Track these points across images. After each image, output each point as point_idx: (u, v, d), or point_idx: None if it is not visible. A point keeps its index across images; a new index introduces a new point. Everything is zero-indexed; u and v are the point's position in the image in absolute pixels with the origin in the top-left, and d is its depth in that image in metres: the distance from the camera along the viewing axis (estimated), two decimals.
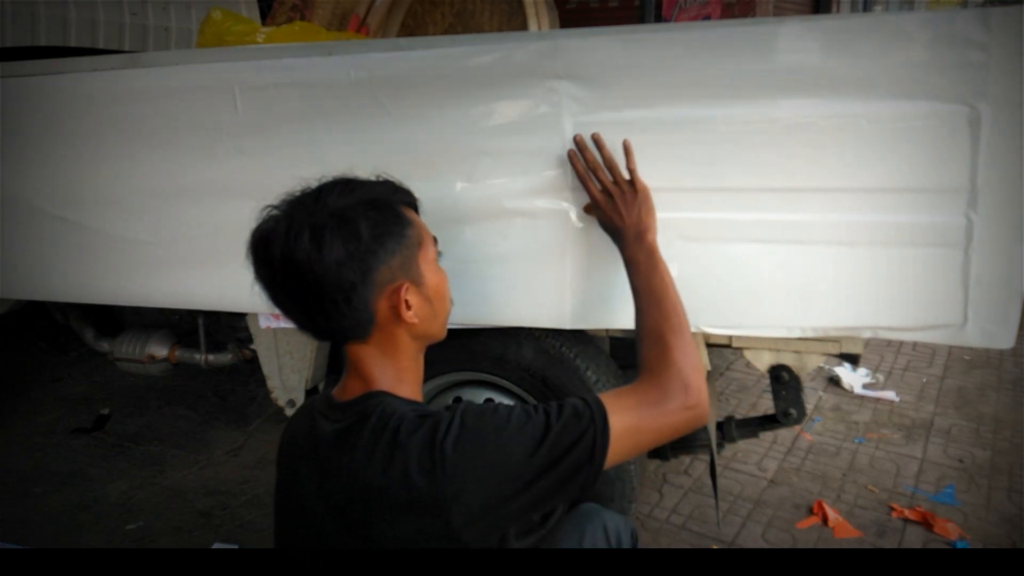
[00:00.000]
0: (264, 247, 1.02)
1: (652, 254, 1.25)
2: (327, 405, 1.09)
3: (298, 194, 1.05)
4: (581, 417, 0.99)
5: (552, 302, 1.47)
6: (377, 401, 1.03)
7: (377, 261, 1.01)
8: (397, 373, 1.08)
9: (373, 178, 1.10)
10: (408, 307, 1.04)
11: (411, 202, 1.13)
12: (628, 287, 1.42)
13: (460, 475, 0.93)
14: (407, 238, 1.05)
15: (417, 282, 1.06)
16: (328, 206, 1.00)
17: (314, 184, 1.06)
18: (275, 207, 1.04)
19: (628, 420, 1.01)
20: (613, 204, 1.31)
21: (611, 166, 1.33)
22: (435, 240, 1.14)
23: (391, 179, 1.11)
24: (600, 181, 1.33)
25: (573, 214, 1.42)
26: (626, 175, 1.32)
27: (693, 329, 1.43)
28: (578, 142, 1.34)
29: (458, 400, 1.77)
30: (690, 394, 1.06)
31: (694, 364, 1.10)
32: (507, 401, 1.74)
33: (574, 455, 0.97)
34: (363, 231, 0.99)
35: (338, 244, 0.98)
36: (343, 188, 1.04)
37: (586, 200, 1.39)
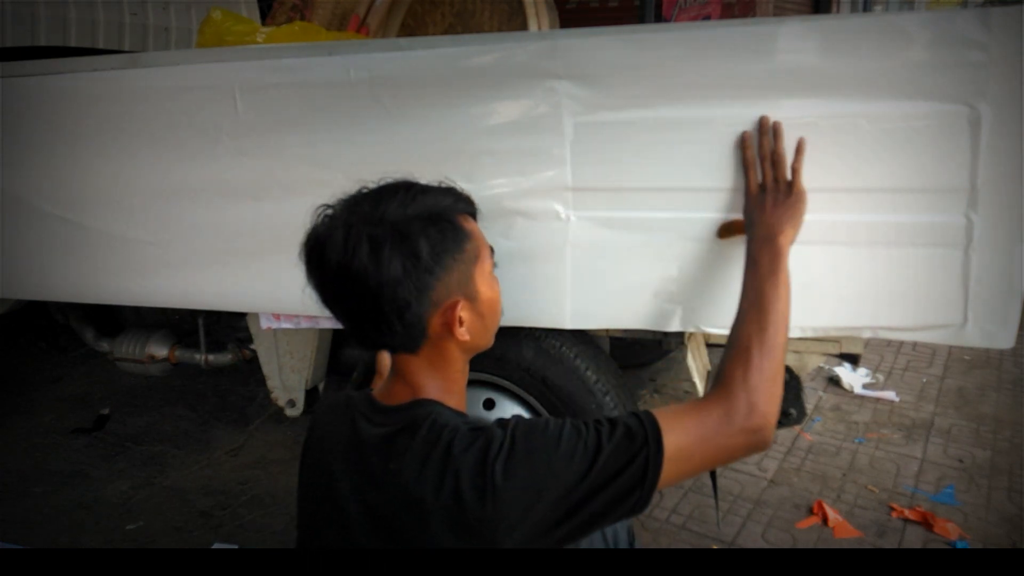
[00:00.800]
0: (320, 252, 0.98)
1: (777, 259, 1.16)
2: (370, 407, 1.06)
3: (357, 196, 1.01)
4: (635, 438, 0.95)
5: (552, 302, 1.47)
6: (428, 411, 1.01)
7: (434, 279, 0.98)
8: (446, 384, 1.06)
9: (435, 184, 1.06)
10: (461, 323, 1.02)
11: (471, 211, 1.09)
12: (628, 287, 1.42)
13: (509, 502, 0.90)
14: (465, 253, 1.02)
15: (472, 298, 1.04)
16: (388, 217, 0.96)
17: (373, 186, 1.02)
18: (331, 207, 1.01)
19: (684, 441, 0.96)
20: (762, 197, 1.26)
21: (778, 161, 1.26)
22: (492, 251, 1.11)
23: (453, 186, 1.07)
24: (763, 172, 1.28)
25: (573, 214, 1.42)
26: (789, 175, 1.27)
27: (693, 329, 1.43)
28: (761, 125, 1.27)
29: None
30: (754, 416, 0.99)
31: (771, 389, 1.03)
32: (507, 402, 1.74)
33: (625, 478, 0.93)
34: (422, 249, 0.96)
35: (396, 261, 0.95)
36: (404, 196, 1.00)
37: (586, 200, 1.39)
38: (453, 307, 1.01)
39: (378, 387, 1.11)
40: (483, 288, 1.06)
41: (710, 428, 0.98)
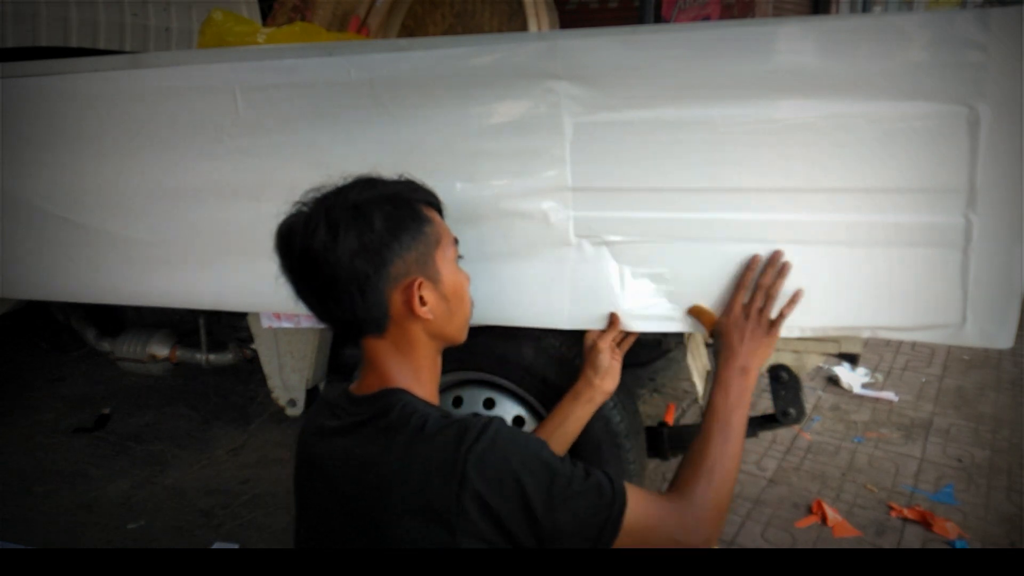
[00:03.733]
0: (286, 239, 1.06)
1: (745, 393, 1.24)
2: (345, 399, 1.10)
3: (323, 189, 1.09)
4: (603, 495, 0.99)
5: (551, 302, 1.48)
6: (397, 399, 1.04)
7: (391, 254, 1.03)
8: (414, 372, 1.09)
9: (396, 177, 1.12)
10: (423, 303, 1.05)
11: (432, 202, 1.14)
12: (627, 287, 1.43)
13: (474, 497, 0.93)
14: (424, 235, 1.07)
15: (433, 279, 1.07)
16: (347, 200, 1.04)
17: (340, 182, 1.09)
18: (302, 203, 1.08)
19: (640, 524, 1.01)
20: (742, 325, 1.30)
21: (772, 296, 1.32)
22: (456, 241, 1.14)
23: (413, 179, 1.13)
24: (752, 301, 1.32)
25: (573, 214, 1.42)
26: (773, 315, 1.32)
27: (694, 330, 1.44)
28: (772, 258, 1.32)
29: (458, 400, 1.77)
30: (701, 534, 1.06)
31: (723, 506, 1.11)
32: (507, 402, 1.74)
33: (583, 528, 0.98)
34: (377, 223, 1.02)
35: (352, 235, 1.00)
36: (364, 185, 1.07)
37: (587, 201, 1.39)
38: (412, 284, 1.05)
39: (353, 382, 1.13)
40: (446, 272, 1.09)
41: (664, 527, 1.04)
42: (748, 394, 1.24)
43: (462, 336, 1.17)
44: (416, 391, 1.07)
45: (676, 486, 1.12)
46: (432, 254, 1.08)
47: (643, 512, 1.02)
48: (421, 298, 1.05)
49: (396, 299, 1.05)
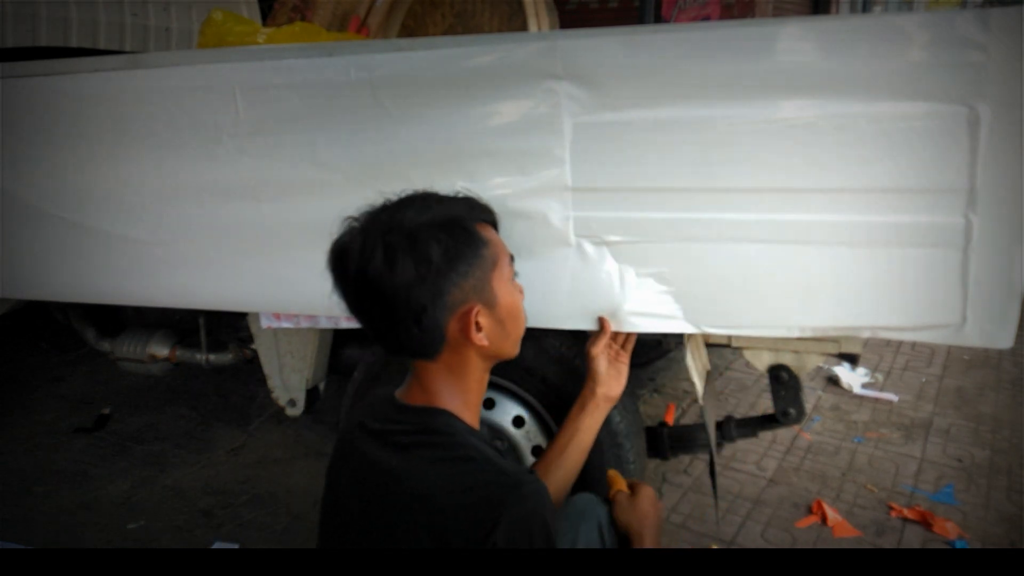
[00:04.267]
0: (341, 261, 1.04)
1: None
2: (390, 404, 1.09)
3: (378, 207, 1.06)
4: None
5: (551, 302, 1.48)
6: (444, 422, 1.04)
7: (448, 284, 1.01)
8: (463, 395, 1.09)
9: (453, 194, 1.10)
10: (479, 329, 1.04)
11: (489, 219, 1.13)
12: (627, 287, 1.43)
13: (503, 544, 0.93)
14: (480, 259, 1.05)
15: (490, 304, 1.06)
16: (403, 224, 1.01)
17: (394, 198, 1.07)
18: (356, 219, 1.05)
19: None
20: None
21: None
22: (511, 258, 1.13)
23: (471, 195, 1.12)
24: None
25: (573, 214, 1.42)
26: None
27: (694, 329, 1.44)
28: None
29: None
30: None
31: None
32: (507, 402, 1.74)
33: None
34: (434, 254, 0.99)
35: (409, 266, 0.98)
36: (420, 206, 1.04)
37: (587, 201, 1.40)
38: (469, 312, 1.03)
39: (400, 388, 1.13)
40: (502, 294, 1.08)
41: None
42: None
43: (516, 351, 1.16)
44: (463, 416, 1.07)
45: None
46: (488, 278, 1.06)
47: None
48: (478, 324, 1.04)
49: (452, 327, 1.04)
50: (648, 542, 1.22)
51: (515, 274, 1.15)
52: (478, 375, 1.11)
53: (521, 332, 1.16)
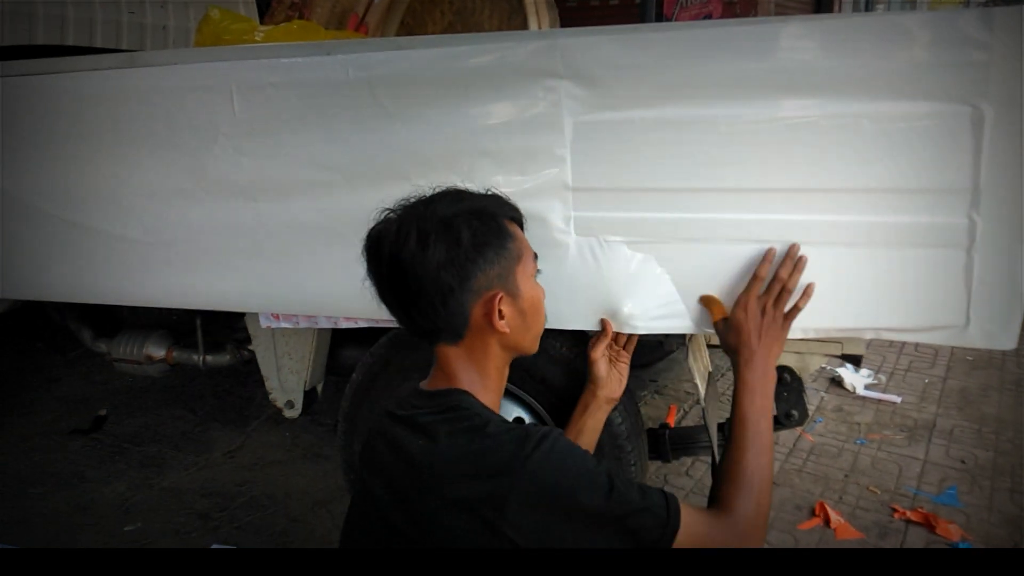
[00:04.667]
0: (376, 246, 1.09)
1: (770, 395, 1.26)
2: (414, 394, 1.15)
3: (413, 200, 1.12)
4: (657, 516, 1.01)
5: (552, 302, 1.46)
6: (461, 398, 1.09)
7: (475, 268, 1.06)
8: (482, 380, 1.13)
9: (483, 191, 1.16)
10: (501, 316, 1.09)
11: (516, 217, 1.18)
12: (627, 287, 1.42)
13: (523, 503, 0.96)
14: (507, 250, 1.10)
15: (513, 294, 1.11)
16: (436, 213, 1.07)
17: (428, 192, 1.13)
18: (392, 210, 1.11)
19: (689, 543, 1.04)
20: (759, 321, 1.29)
21: (789, 290, 1.30)
22: (535, 256, 1.18)
23: (499, 194, 1.17)
24: (767, 295, 1.30)
25: (573, 214, 1.41)
26: (786, 309, 1.30)
27: (696, 330, 1.43)
28: (789, 251, 1.31)
29: None
30: (749, 542, 1.11)
31: (763, 511, 1.14)
32: (507, 402, 1.73)
33: (634, 545, 1.01)
34: (464, 238, 1.05)
35: (441, 248, 1.04)
36: (453, 198, 1.11)
37: (587, 201, 1.38)
38: (493, 298, 1.08)
39: (425, 380, 1.18)
40: (525, 287, 1.13)
41: (713, 543, 1.08)
42: (772, 396, 1.27)
43: (534, 348, 1.20)
44: (481, 397, 1.11)
45: (719, 502, 1.14)
46: (513, 269, 1.11)
47: (693, 531, 1.04)
48: (500, 312, 1.09)
49: (476, 311, 1.08)
50: (758, 363, 1.25)
51: (538, 271, 1.19)
52: (498, 363, 1.15)
53: (541, 329, 1.20)
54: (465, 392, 1.10)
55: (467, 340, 1.11)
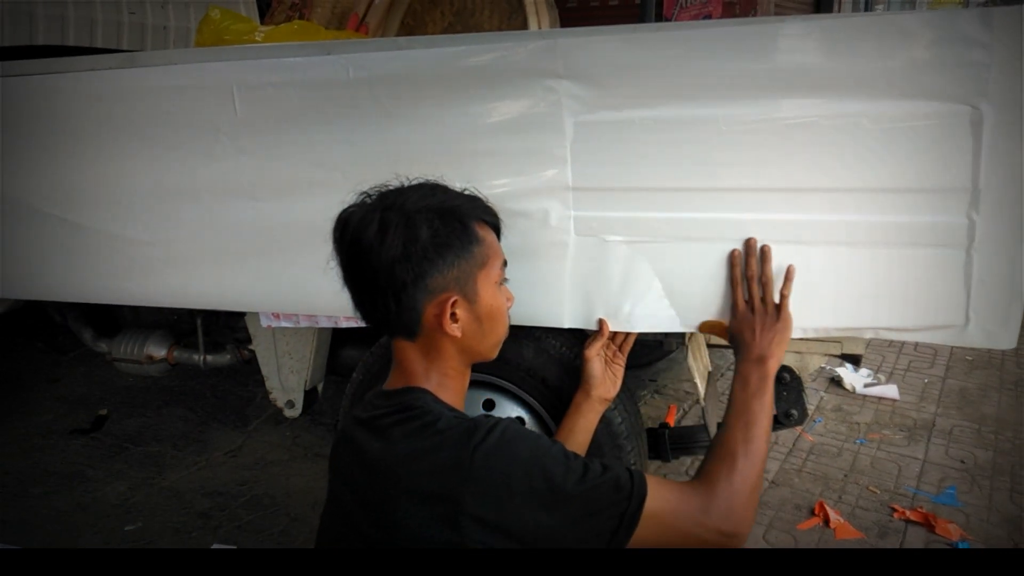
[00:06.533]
0: (341, 227, 1.08)
1: (765, 380, 1.22)
2: (376, 395, 1.13)
3: (389, 187, 1.11)
4: (620, 489, 0.98)
5: (551, 302, 1.47)
6: (416, 396, 1.07)
7: (432, 268, 1.04)
8: (440, 379, 1.11)
9: (460, 190, 1.14)
10: (454, 320, 1.07)
11: (490, 221, 1.15)
12: (627, 286, 1.42)
13: (479, 494, 0.94)
14: (469, 254, 1.08)
15: (470, 299, 1.08)
16: (404, 205, 1.05)
17: (407, 182, 1.12)
18: (368, 194, 1.10)
19: (660, 510, 1.00)
20: (750, 320, 1.30)
21: (765, 284, 1.31)
22: (504, 263, 1.15)
23: (477, 195, 1.15)
24: (750, 294, 1.32)
25: (573, 213, 1.41)
26: (777, 299, 1.30)
27: (694, 329, 1.43)
28: (747, 247, 1.32)
29: None
30: (730, 521, 1.04)
31: (751, 497, 1.07)
32: (507, 402, 1.73)
33: (598, 521, 0.97)
34: (423, 235, 1.03)
35: (398, 242, 1.02)
36: (425, 192, 1.09)
37: (587, 201, 1.38)
38: (446, 301, 1.06)
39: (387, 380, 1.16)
40: (485, 293, 1.10)
41: (687, 511, 1.02)
42: (768, 382, 1.22)
43: (493, 354, 1.18)
44: (441, 395, 1.09)
45: (698, 475, 1.11)
46: (474, 274, 1.08)
47: (663, 501, 1.00)
48: (453, 315, 1.07)
49: (429, 311, 1.06)
50: (754, 352, 1.25)
51: (505, 280, 1.16)
52: (455, 364, 1.12)
53: (500, 337, 1.17)
54: (421, 390, 1.08)
55: (422, 338, 1.09)
